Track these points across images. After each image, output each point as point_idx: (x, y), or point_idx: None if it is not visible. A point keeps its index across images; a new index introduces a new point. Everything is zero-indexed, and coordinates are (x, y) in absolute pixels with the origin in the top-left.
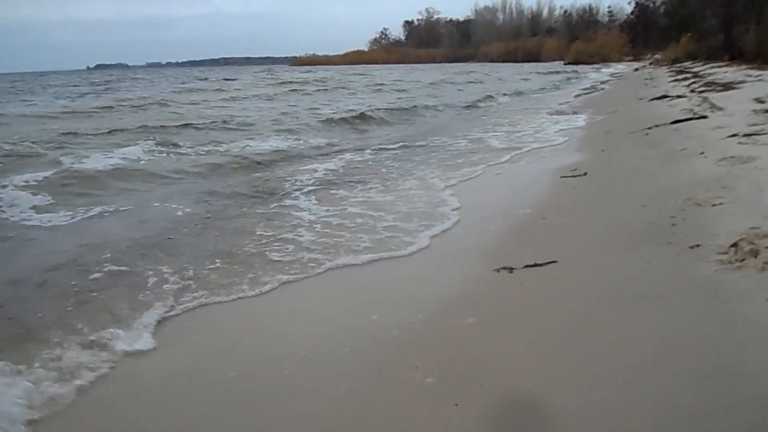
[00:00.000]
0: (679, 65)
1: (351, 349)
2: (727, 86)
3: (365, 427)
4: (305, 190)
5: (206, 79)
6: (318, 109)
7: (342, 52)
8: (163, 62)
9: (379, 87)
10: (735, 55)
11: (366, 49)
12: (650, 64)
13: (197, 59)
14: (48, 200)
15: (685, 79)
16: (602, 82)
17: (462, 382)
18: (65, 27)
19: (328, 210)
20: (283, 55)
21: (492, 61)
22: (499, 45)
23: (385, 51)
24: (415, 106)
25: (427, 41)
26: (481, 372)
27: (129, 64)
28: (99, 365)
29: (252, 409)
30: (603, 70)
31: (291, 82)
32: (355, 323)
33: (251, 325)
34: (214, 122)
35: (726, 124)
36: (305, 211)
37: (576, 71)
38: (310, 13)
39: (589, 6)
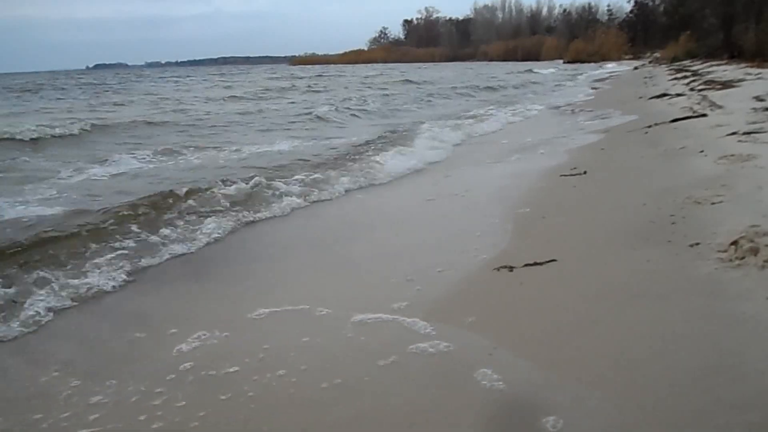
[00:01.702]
0: (678, 64)
1: (351, 348)
2: (727, 84)
3: (364, 424)
4: None
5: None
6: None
7: (341, 52)
8: (163, 62)
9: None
10: (734, 53)
11: (365, 48)
12: (650, 62)
13: (196, 59)
14: None
15: (685, 77)
16: (600, 80)
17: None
18: (64, 27)
19: None
20: (282, 55)
21: (491, 60)
22: (498, 44)
23: (384, 50)
24: None
25: (426, 40)
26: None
27: (128, 63)
28: None
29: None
30: (593, 72)
31: (370, 86)
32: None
33: None
34: None
35: (725, 122)
36: None
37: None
38: (309, 13)
39: (589, 5)
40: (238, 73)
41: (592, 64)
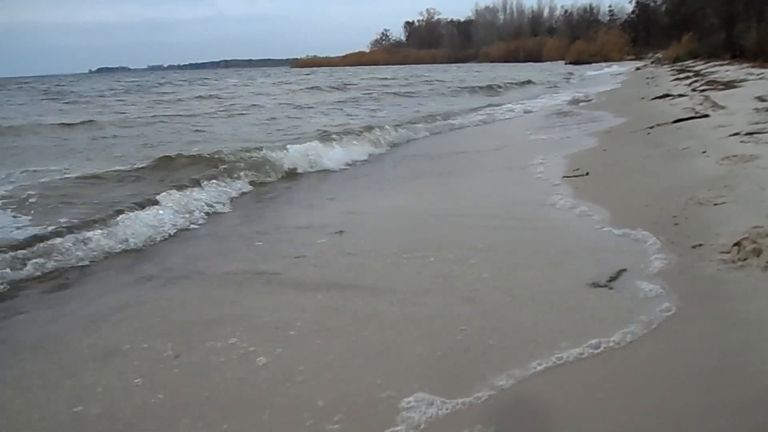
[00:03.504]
0: (680, 64)
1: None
2: (729, 85)
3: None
4: None
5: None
6: None
7: (343, 54)
8: (165, 65)
9: None
10: (736, 53)
11: (367, 51)
12: (651, 63)
13: (199, 62)
14: None
15: (687, 77)
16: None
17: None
18: (65, 30)
19: None
20: (284, 57)
21: (493, 61)
22: (500, 45)
23: (386, 52)
24: None
25: (428, 42)
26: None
27: (131, 67)
28: None
29: None
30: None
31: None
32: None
33: None
34: None
35: (728, 122)
36: None
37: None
38: (311, 15)
39: (590, 6)
40: (286, 74)
41: (602, 64)
